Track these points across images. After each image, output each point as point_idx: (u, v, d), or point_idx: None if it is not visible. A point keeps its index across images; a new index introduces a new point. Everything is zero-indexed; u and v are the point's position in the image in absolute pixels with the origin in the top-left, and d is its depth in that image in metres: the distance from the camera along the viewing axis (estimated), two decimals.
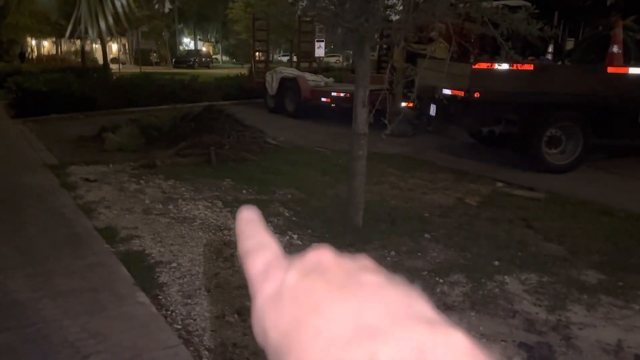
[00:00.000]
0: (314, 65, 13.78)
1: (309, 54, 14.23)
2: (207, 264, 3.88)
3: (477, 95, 6.12)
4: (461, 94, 6.28)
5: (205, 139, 7.39)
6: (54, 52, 35.06)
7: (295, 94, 10.69)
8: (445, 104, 6.51)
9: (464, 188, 5.73)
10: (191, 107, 9.82)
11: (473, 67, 6.32)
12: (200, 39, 52.11)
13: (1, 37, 23.81)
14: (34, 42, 35.15)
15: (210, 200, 5.26)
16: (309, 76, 10.91)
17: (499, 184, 5.79)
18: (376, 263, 0.31)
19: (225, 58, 52.41)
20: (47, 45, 37.08)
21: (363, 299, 0.26)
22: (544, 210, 5.11)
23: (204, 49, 49.85)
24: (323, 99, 10.10)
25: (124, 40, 39.84)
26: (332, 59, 28.35)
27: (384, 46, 9.99)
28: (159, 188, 5.70)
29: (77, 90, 11.34)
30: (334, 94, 9.87)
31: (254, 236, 0.34)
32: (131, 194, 5.45)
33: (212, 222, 4.64)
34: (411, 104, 8.40)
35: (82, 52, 15.82)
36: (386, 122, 4.39)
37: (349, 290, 0.27)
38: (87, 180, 5.93)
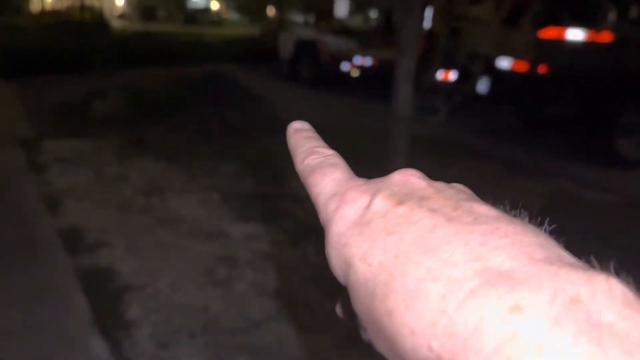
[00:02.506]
0: (333, 25, 12.49)
1: (326, 14, 12.96)
2: (193, 290, 2.91)
3: (544, 69, 4.99)
4: (524, 67, 5.16)
5: (206, 110, 6.35)
6: (60, 6, 33.58)
7: (313, 60, 9.49)
8: (501, 78, 5.42)
9: (517, 186, 4.67)
10: (194, 71, 8.75)
11: (540, 34, 5.13)
12: None
13: None
14: None
15: (205, 192, 4.27)
16: (330, 39, 9.67)
17: (563, 182, 4.71)
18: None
19: (236, 16, 50.45)
20: None
21: (484, 235, 0.20)
22: (623, 220, 4.06)
23: (214, 5, 48.06)
24: (345, 67, 8.91)
25: None
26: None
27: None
28: (145, 172, 4.71)
29: (69, 48, 10.25)
30: (358, 60, 8.66)
31: (316, 151, 0.31)
32: (110, 180, 4.46)
33: (205, 226, 3.65)
34: (447, 76, 7.31)
35: (81, 6, 14.62)
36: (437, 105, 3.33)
37: (462, 224, 0.21)
38: (60, 160, 4.96)
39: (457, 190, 0.25)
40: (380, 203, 0.24)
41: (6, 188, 4.20)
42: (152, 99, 6.88)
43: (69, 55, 10.17)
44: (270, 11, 12.96)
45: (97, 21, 14.49)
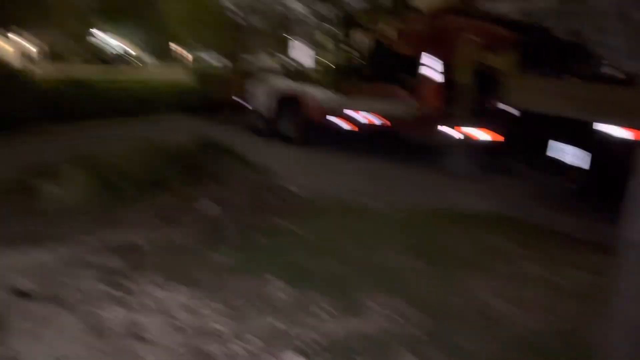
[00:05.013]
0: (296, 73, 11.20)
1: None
2: None
3: None
4: None
5: (208, 193, 4.79)
6: None
7: (297, 116, 8.11)
8: (613, 151, 4.41)
9: None
10: (154, 128, 7.08)
11: None
12: (121, 36, 47.33)
13: None
14: None
15: (277, 348, 2.74)
16: (316, 92, 8.34)
17: None
18: None
19: (147, 57, 47.98)
20: None
21: None
22: None
23: (126, 47, 45.59)
24: (343, 125, 7.59)
25: (34, 34, 34.99)
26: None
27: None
28: (164, 313, 3.07)
29: None
30: (362, 119, 7.36)
31: None
32: (117, 345, 2.77)
33: None
34: (499, 137, 6.29)
35: None
36: None
37: None
38: (20, 293, 3.19)
39: None
40: None
41: None
42: (124, 176, 5.17)
43: None
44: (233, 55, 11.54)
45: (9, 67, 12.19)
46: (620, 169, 4.29)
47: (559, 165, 5.20)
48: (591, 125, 4.71)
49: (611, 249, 3.09)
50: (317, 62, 12.32)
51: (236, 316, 3.08)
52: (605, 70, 4.98)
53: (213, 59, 16.16)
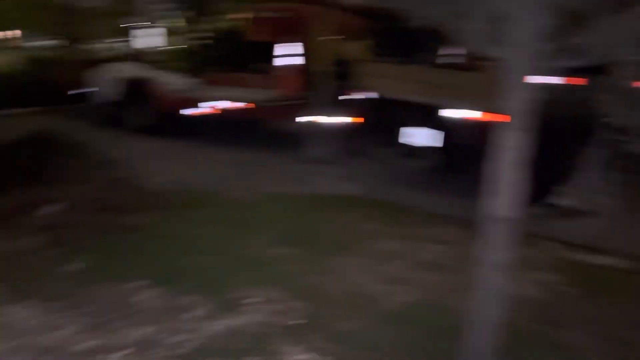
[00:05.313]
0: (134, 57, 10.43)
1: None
2: None
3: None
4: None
5: (52, 194, 4.27)
6: None
7: (149, 104, 7.57)
8: (467, 132, 4.72)
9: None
10: None
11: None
12: None
13: None
14: None
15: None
16: (169, 78, 7.83)
17: (556, 246, 4.17)
18: None
19: None
20: None
21: None
22: None
23: None
24: (203, 110, 7.24)
25: None
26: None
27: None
28: (16, 334, 2.67)
29: None
30: (225, 105, 7.07)
31: None
32: None
33: None
34: (356, 122, 6.44)
35: None
36: None
37: None
38: None
39: None
40: None
41: None
42: None
43: None
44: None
45: None
46: (467, 148, 4.77)
47: (412, 148, 5.56)
48: (439, 108, 5.09)
49: (466, 222, 3.36)
50: (169, 46, 11.65)
51: (102, 330, 2.79)
52: (454, 56, 5.40)
53: (50, 46, 14.45)
